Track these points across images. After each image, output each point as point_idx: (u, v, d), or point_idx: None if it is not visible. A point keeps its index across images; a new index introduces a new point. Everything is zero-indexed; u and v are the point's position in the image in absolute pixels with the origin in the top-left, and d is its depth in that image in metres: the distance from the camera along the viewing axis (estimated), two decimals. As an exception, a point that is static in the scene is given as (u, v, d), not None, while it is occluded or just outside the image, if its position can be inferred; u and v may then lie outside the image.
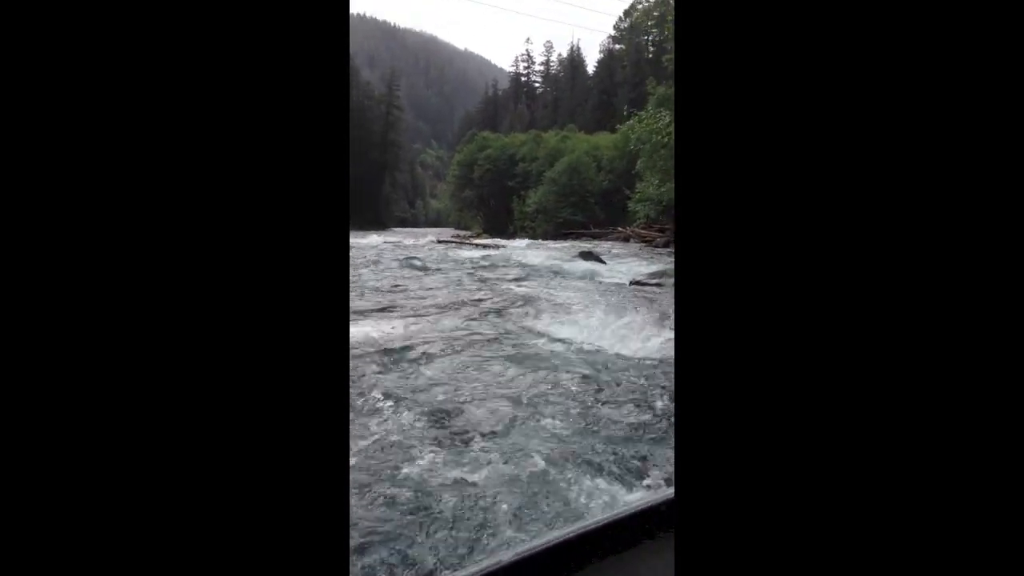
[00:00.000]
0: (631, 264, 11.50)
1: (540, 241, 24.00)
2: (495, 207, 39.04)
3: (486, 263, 11.58)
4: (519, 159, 37.88)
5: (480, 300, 6.65)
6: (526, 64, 70.71)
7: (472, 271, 10.11)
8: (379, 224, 46.43)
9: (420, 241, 20.91)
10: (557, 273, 9.89)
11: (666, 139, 17.59)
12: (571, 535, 0.71)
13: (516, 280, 8.51)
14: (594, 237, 24.87)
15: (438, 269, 10.38)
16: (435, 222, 69.85)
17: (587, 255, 12.81)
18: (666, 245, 17.69)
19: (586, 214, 30.42)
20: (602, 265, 11.28)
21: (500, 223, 36.91)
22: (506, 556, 0.68)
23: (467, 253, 14.31)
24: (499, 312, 5.93)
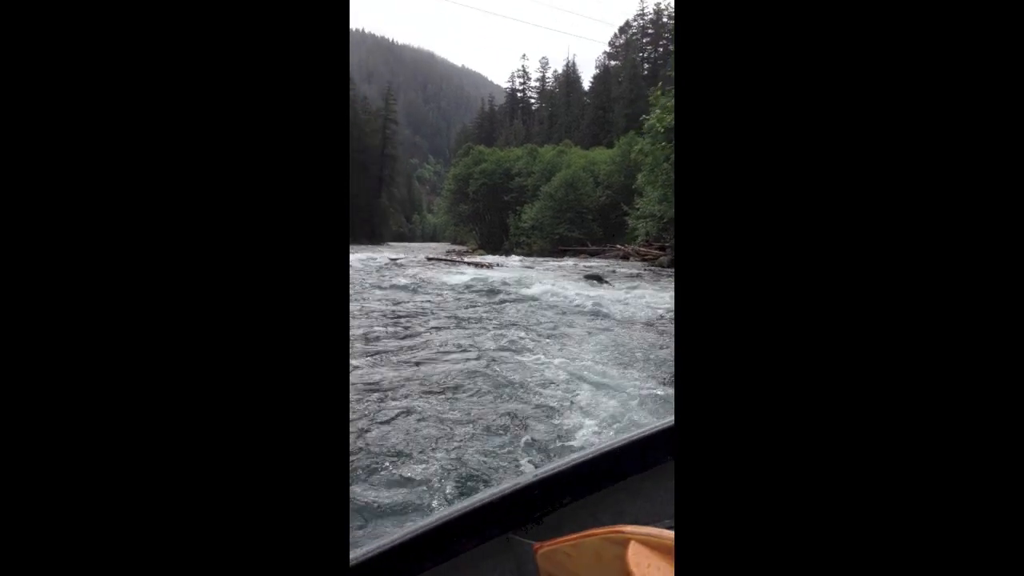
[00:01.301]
0: (646, 290, 9.65)
1: (536, 259, 23.33)
2: (491, 222, 38.44)
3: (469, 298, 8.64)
4: (515, 173, 37.35)
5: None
6: (522, 80, 70.71)
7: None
8: (376, 238, 45.80)
9: (406, 257, 19.61)
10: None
11: None
12: (579, 461, 0.78)
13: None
14: (591, 254, 24.23)
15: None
16: (431, 236, 69.42)
17: (593, 277, 11.65)
18: (671, 264, 16.99)
19: (583, 230, 29.81)
20: (609, 289, 9.89)
21: (496, 238, 36.29)
22: (520, 481, 0.76)
23: (454, 278, 11.94)
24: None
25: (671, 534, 0.48)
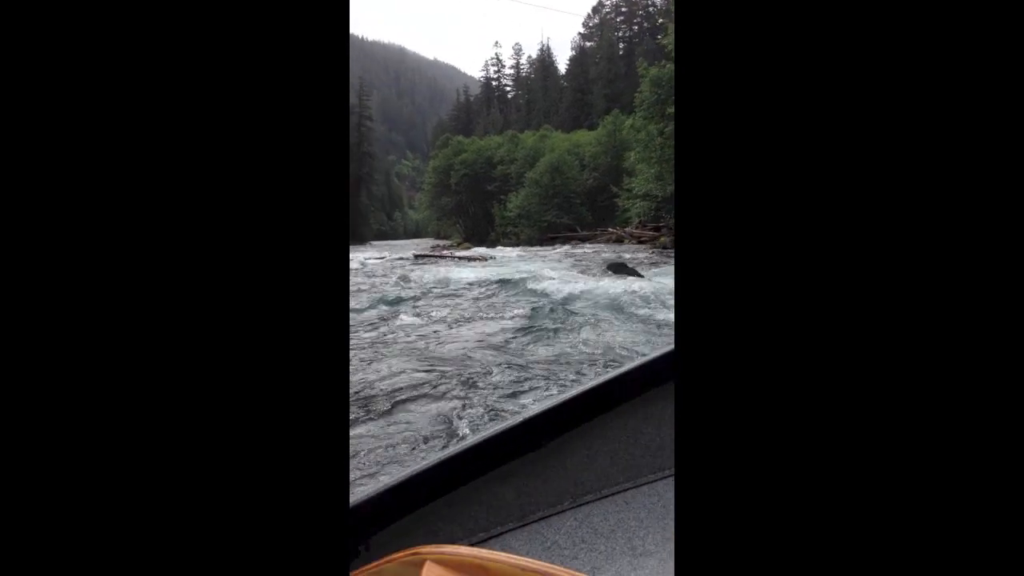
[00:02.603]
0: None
1: (529, 248, 22.45)
2: (475, 214, 37.45)
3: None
4: (496, 162, 36.34)
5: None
6: (496, 68, 69.37)
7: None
8: (357, 238, 44.31)
9: (389, 256, 18.76)
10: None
11: None
12: (592, 387, 0.86)
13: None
14: (582, 240, 23.39)
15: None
16: (415, 233, 68.18)
17: (618, 268, 9.31)
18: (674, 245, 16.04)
19: (572, 215, 28.93)
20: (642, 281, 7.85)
21: (481, 230, 35.32)
22: (535, 409, 0.83)
23: (457, 273, 10.78)
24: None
25: (468, 550, 0.51)
